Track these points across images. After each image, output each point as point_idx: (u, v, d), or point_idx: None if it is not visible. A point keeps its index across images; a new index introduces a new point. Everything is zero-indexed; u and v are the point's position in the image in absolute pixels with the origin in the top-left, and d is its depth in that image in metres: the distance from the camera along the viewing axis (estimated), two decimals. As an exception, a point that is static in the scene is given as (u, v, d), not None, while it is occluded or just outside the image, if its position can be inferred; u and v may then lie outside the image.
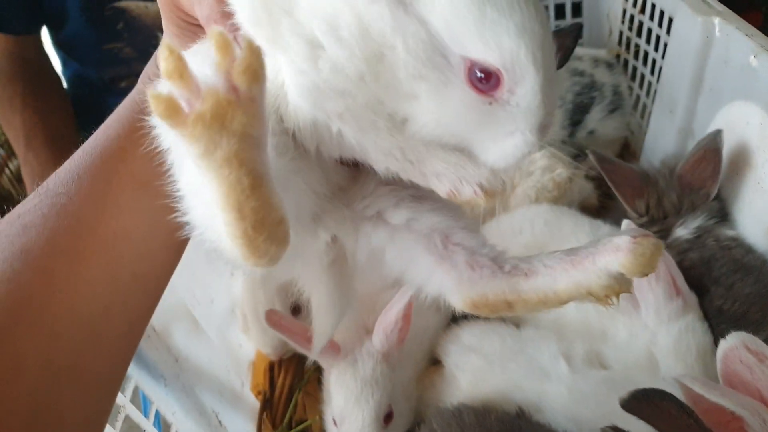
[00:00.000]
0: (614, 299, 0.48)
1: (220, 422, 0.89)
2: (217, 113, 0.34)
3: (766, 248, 0.84)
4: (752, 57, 0.82)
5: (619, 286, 0.48)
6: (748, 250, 0.85)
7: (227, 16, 0.44)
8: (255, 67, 0.34)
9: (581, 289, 0.48)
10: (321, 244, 0.53)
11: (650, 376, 0.78)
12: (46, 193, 0.53)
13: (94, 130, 0.58)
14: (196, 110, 0.34)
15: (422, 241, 0.53)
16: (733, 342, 0.62)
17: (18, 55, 1.35)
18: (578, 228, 0.91)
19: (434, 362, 0.87)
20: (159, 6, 0.53)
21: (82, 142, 0.58)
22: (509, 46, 0.40)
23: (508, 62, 0.40)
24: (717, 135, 0.87)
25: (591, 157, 0.89)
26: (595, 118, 1.07)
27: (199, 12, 0.47)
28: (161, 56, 0.33)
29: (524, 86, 0.41)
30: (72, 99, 1.43)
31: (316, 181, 0.50)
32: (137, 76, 0.61)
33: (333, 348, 0.79)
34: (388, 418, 0.78)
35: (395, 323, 0.76)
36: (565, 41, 0.99)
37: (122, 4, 1.32)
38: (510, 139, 0.43)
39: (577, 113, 1.07)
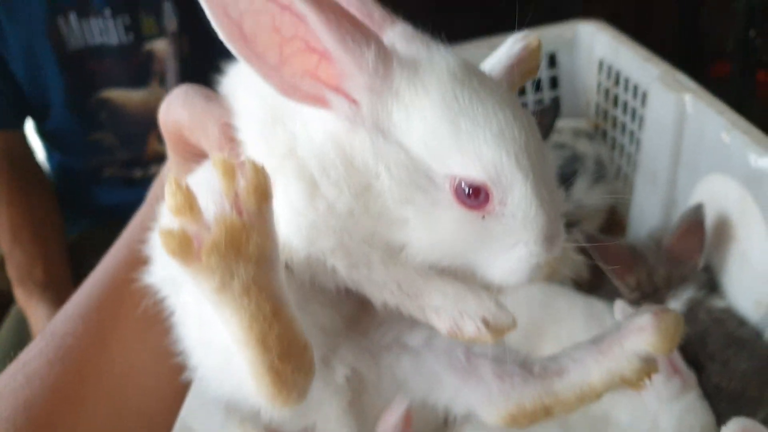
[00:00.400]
0: (647, 382, 0.48)
1: None
2: (231, 239, 0.33)
3: (756, 319, 0.85)
4: (724, 133, 0.84)
5: (650, 367, 0.47)
6: (740, 322, 0.86)
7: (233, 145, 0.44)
8: (263, 186, 0.34)
9: (615, 377, 0.47)
10: (339, 380, 0.50)
11: (656, 461, 0.78)
12: (52, 336, 0.53)
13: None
14: (209, 240, 0.33)
15: (444, 358, 0.51)
16: (733, 429, 0.63)
17: (3, 149, 1.35)
18: (573, 307, 0.92)
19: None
20: (164, 138, 0.53)
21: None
22: (490, 157, 0.39)
23: (492, 173, 0.39)
24: (698, 209, 0.89)
25: (580, 237, 0.90)
26: (580, 190, 1.09)
27: (206, 144, 0.47)
28: (168, 191, 0.33)
29: (514, 195, 0.40)
30: (57, 188, 1.43)
31: (325, 317, 0.49)
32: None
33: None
34: None
35: (395, 429, 0.75)
36: (544, 119, 1.01)
37: (105, 94, 1.33)
38: (513, 252, 0.41)
39: (562, 186, 1.08)
